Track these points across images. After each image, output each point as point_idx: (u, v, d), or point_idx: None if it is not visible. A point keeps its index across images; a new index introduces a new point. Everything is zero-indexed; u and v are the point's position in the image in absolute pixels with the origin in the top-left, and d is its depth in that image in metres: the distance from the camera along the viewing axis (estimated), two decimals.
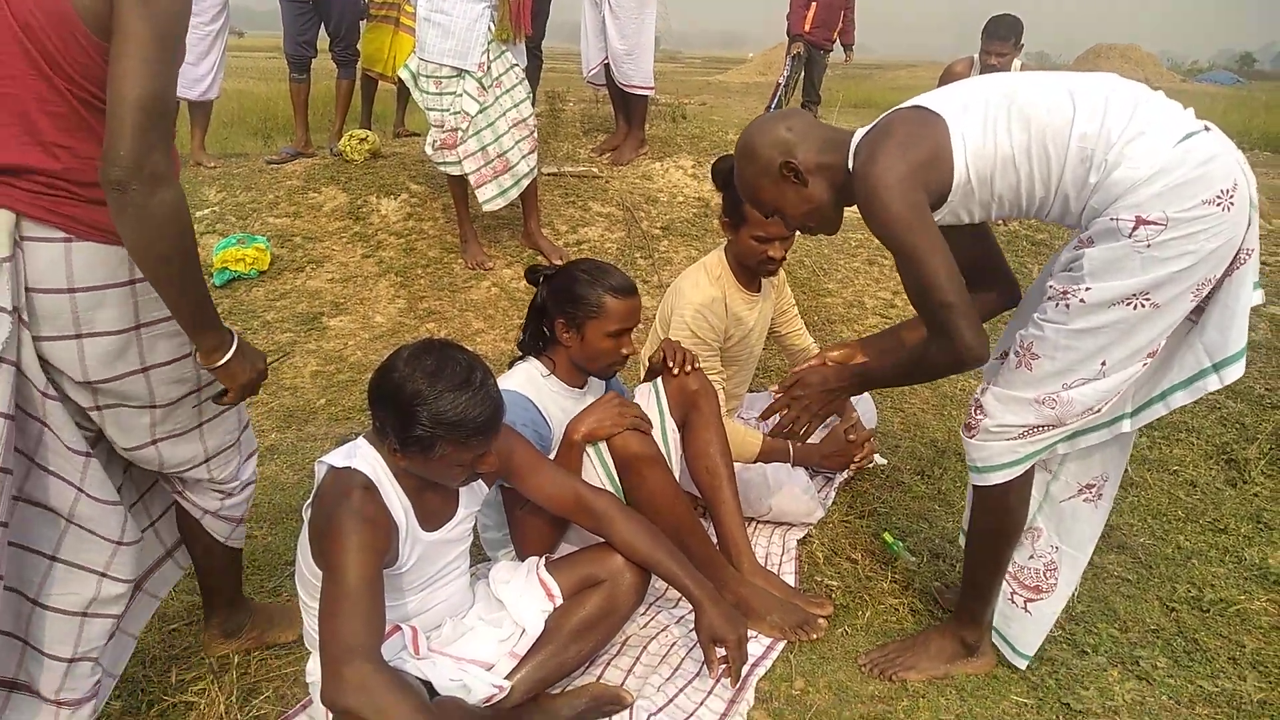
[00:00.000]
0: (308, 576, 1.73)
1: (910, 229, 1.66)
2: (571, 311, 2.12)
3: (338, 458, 1.72)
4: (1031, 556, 2.01)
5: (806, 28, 6.89)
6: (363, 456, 1.71)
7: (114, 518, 1.60)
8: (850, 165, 1.78)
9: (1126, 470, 3.00)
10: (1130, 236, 1.57)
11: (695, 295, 2.69)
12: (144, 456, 1.66)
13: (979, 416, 1.84)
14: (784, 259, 2.68)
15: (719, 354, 2.75)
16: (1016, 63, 5.14)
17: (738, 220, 2.63)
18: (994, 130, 1.67)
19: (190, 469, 1.74)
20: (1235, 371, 1.70)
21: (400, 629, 1.76)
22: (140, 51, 1.31)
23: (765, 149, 1.86)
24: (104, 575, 1.61)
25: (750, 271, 2.74)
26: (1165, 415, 3.26)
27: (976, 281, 1.82)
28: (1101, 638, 2.21)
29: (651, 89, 5.44)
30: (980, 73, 5.15)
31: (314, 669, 1.66)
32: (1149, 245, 1.57)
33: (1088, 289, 1.64)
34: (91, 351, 1.48)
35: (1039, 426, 1.79)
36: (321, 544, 1.61)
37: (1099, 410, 1.76)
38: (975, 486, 1.94)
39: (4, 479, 1.42)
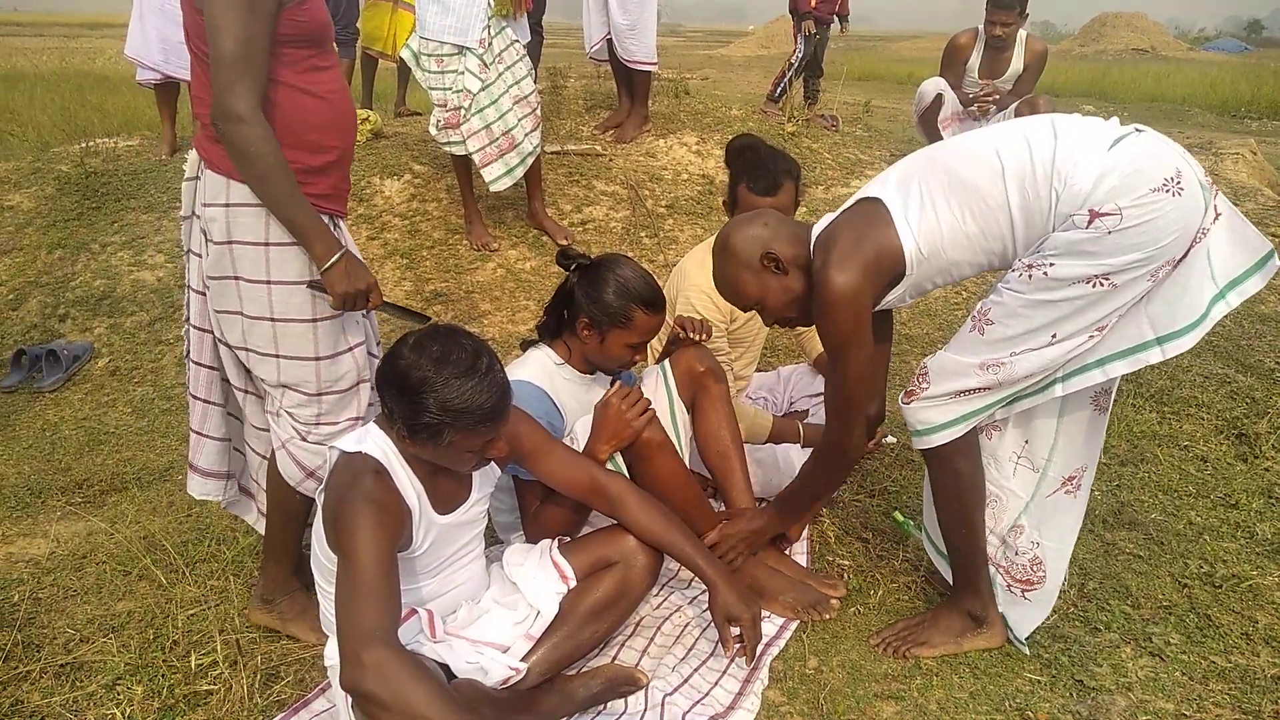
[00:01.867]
0: (323, 561, 1.74)
1: (848, 338, 1.86)
2: (599, 316, 2.11)
3: (348, 442, 1.72)
4: (1017, 553, 2.05)
5: (813, 3, 6.78)
6: (373, 441, 1.71)
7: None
8: (812, 255, 1.93)
9: (1137, 446, 3.02)
10: (1089, 228, 1.66)
11: (700, 277, 2.67)
12: (242, 357, 1.97)
13: (922, 385, 1.93)
14: None
15: (726, 335, 2.74)
16: (1022, 33, 5.05)
17: (732, 203, 2.62)
18: (933, 204, 1.80)
19: (269, 387, 1.98)
20: (1180, 345, 1.75)
21: (416, 612, 1.76)
22: (216, 17, 1.68)
23: (744, 244, 1.99)
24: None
25: None
26: (1175, 390, 3.31)
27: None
28: (1114, 614, 2.21)
29: (655, 64, 5.36)
30: (985, 44, 5.06)
31: (332, 653, 1.67)
32: (1109, 233, 1.65)
33: (1052, 264, 1.72)
34: (210, 254, 1.88)
35: (977, 389, 1.87)
36: (335, 529, 1.62)
37: (1037, 378, 1.84)
38: (924, 454, 2.01)
39: (205, 336, 2.02)
